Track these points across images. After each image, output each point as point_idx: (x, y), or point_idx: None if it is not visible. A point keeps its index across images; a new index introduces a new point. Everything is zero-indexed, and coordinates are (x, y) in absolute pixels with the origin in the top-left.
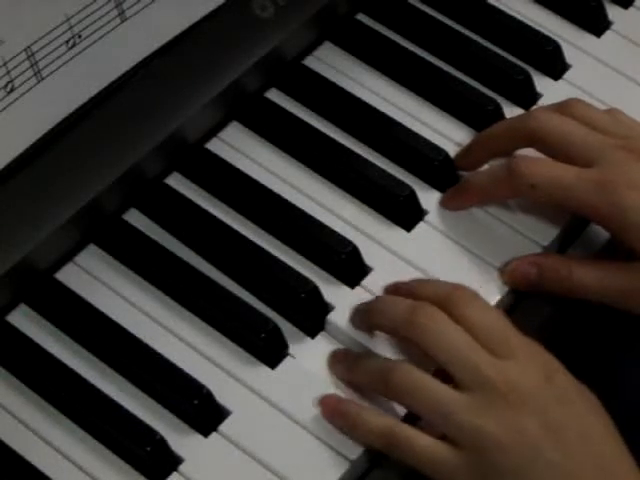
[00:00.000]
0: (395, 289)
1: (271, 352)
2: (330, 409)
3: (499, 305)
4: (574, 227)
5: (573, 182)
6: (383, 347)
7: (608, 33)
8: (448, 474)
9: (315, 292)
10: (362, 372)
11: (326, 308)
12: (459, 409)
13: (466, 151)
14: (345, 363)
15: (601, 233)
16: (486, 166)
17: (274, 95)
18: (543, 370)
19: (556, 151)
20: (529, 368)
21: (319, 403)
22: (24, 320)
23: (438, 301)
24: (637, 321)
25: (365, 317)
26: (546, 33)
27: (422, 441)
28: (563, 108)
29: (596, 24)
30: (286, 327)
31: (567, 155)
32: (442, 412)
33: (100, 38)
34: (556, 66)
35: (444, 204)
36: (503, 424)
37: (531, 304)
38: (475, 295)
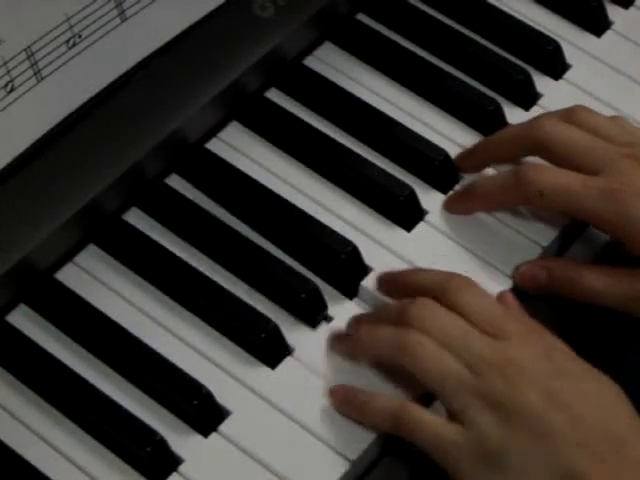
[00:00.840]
0: (390, 280)
1: (271, 352)
2: (340, 397)
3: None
4: (574, 227)
5: (580, 190)
6: None
7: (608, 33)
8: (454, 453)
9: (315, 292)
10: (376, 339)
11: (326, 308)
12: (463, 385)
13: (469, 155)
14: (349, 342)
15: (601, 234)
16: (489, 169)
17: (274, 95)
18: (542, 348)
19: (561, 160)
20: (527, 347)
21: (329, 393)
22: (24, 320)
23: (432, 291)
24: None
25: (362, 317)
26: (546, 33)
27: (430, 420)
28: (568, 115)
29: (596, 24)
30: (286, 327)
31: (572, 163)
32: (448, 385)
33: (100, 38)
34: (556, 66)
35: (448, 208)
36: (505, 402)
37: (532, 305)
38: (469, 282)
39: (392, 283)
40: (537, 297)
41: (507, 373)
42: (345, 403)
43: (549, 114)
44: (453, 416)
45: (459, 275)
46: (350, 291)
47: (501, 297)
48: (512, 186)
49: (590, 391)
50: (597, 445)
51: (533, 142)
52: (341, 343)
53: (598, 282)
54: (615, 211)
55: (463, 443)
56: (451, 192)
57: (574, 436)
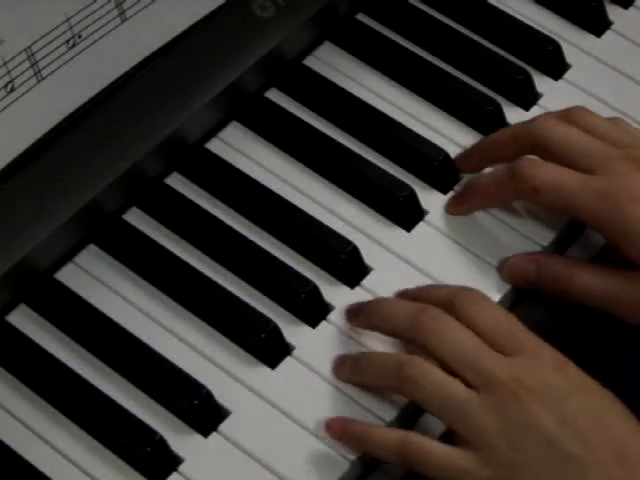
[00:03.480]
0: (399, 294)
1: (271, 352)
2: (339, 431)
3: (499, 305)
4: (574, 227)
5: (575, 188)
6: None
7: (608, 33)
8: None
9: (315, 292)
10: (370, 369)
11: (326, 308)
12: (471, 409)
13: (467, 155)
14: (348, 364)
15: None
16: (489, 169)
17: (274, 95)
18: (553, 363)
19: (559, 159)
20: (538, 362)
21: (326, 427)
22: (24, 320)
23: (442, 303)
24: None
25: (365, 318)
26: (546, 33)
27: (436, 448)
28: (567, 115)
29: (596, 24)
30: (286, 327)
31: (569, 162)
32: (455, 411)
33: (100, 38)
34: (556, 66)
35: (449, 210)
36: (516, 422)
37: (531, 304)
38: (480, 295)
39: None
40: (532, 300)
41: (519, 393)
42: (344, 437)
43: (548, 114)
44: (463, 441)
45: (467, 288)
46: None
47: None
48: (507, 181)
49: (602, 409)
50: (609, 466)
51: (531, 141)
52: (337, 369)
53: (586, 282)
54: (609, 212)
55: (473, 468)
56: (452, 193)
57: (587, 459)
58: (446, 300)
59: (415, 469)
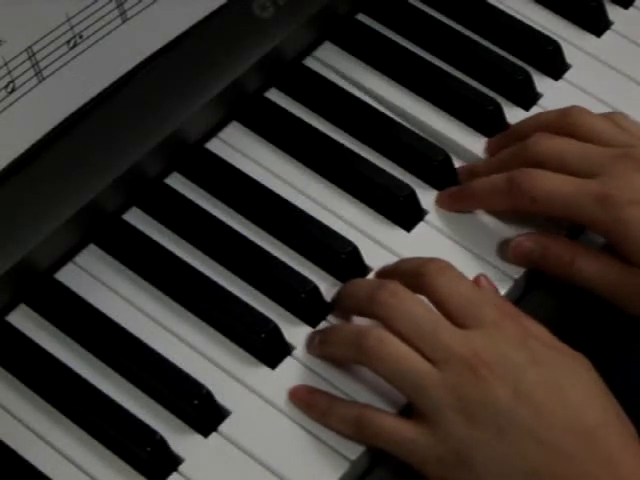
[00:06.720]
0: (378, 272)
1: (271, 352)
2: (301, 400)
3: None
4: (576, 225)
5: (574, 196)
6: None
7: (608, 33)
8: (418, 453)
9: (315, 292)
10: (335, 341)
11: (326, 308)
12: (428, 383)
13: (471, 170)
14: (317, 339)
15: None
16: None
17: (274, 95)
18: (515, 336)
19: (557, 171)
20: (498, 335)
21: (289, 394)
22: (24, 320)
23: (410, 275)
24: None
25: (336, 299)
26: (546, 33)
27: (389, 422)
28: (563, 116)
29: (596, 24)
30: (286, 327)
31: (568, 172)
32: (411, 384)
33: (101, 38)
34: (556, 66)
35: (440, 203)
36: (473, 397)
37: (533, 302)
38: (447, 266)
39: (379, 275)
40: (539, 294)
41: (476, 367)
42: (307, 408)
43: (546, 113)
44: (420, 414)
45: (437, 259)
46: None
47: (476, 281)
48: (505, 192)
49: (562, 382)
50: (564, 441)
51: (528, 159)
52: (310, 344)
53: (589, 269)
54: (608, 215)
55: (427, 442)
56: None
57: (538, 433)
58: (415, 271)
59: (373, 444)
